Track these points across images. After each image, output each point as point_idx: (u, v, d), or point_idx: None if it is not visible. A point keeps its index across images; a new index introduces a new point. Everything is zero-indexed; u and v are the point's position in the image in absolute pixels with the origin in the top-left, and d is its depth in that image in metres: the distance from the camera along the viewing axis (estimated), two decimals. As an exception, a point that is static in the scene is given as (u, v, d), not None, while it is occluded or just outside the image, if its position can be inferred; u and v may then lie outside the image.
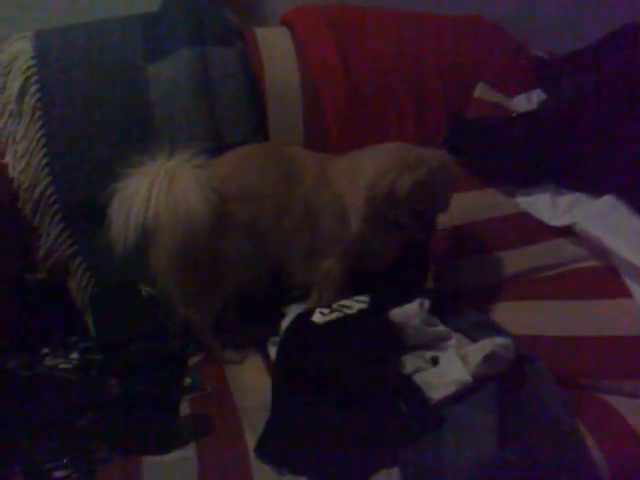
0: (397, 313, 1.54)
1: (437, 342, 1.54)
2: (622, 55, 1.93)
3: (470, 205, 1.85)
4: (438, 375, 1.44)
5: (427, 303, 1.58)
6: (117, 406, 1.33)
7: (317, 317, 1.55)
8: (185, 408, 1.42)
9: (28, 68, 1.84)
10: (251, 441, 1.32)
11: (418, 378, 1.43)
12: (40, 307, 1.74)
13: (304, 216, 1.66)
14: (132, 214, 1.53)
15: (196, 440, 1.34)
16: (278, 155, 1.72)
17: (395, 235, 1.68)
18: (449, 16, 2.17)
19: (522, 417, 1.37)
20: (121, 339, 1.47)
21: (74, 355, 1.55)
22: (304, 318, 1.55)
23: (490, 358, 1.41)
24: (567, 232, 1.77)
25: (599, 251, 1.71)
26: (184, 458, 1.30)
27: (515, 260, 1.77)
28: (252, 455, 1.29)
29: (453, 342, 1.54)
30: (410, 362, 1.48)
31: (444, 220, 1.73)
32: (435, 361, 1.49)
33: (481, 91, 2.04)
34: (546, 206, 1.82)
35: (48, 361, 1.52)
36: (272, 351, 1.63)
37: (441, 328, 1.56)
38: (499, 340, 1.45)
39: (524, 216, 1.83)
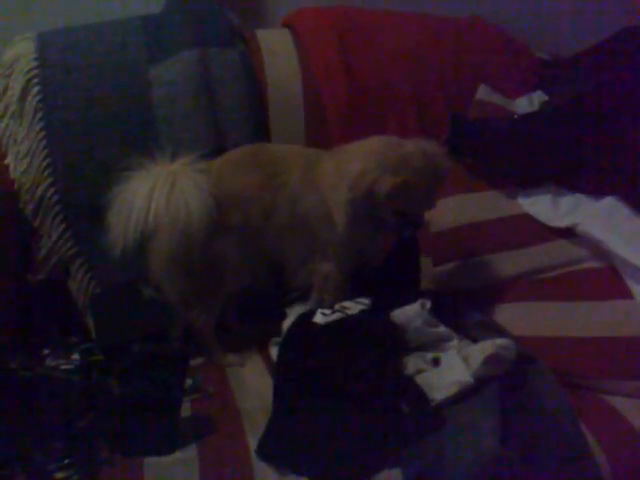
0: (398, 314, 1.54)
1: (438, 343, 1.54)
2: (623, 57, 1.93)
3: (471, 206, 1.85)
4: (439, 376, 1.44)
5: (428, 304, 1.59)
6: (118, 407, 1.33)
7: (319, 318, 1.55)
8: (186, 409, 1.42)
9: (30, 70, 1.84)
10: (252, 442, 1.32)
11: (419, 379, 1.43)
12: (41, 308, 1.74)
13: (291, 218, 1.66)
14: (132, 217, 1.55)
15: (197, 441, 1.34)
16: (262, 158, 1.70)
17: (382, 233, 1.67)
18: (451, 18, 2.18)
19: (523, 418, 1.36)
20: (122, 340, 1.46)
21: (75, 356, 1.54)
22: (306, 319, 1.55)
23: (491, 359, 1.41)
24: (568, 233, 1.77)
25: (600, 252, 1.71)
26: (185, 459, 1.30)
27: (516, 261, 1.77)
28: (253, 456, 1.29)
29: (454, 343, 1.54)
30: (411, 363, 1.48)
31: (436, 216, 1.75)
32: (436, 362, 1.49)
33: (483, 93, 2.04)
34: (547, 207, 1.82)
35: (49, 362, 1.52)
36: (274, 352, 1.63)
37: (442, 329, 1.56)
38: (500, 341, 1.45)
39: (525, 217, 1.83)
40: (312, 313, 1.57)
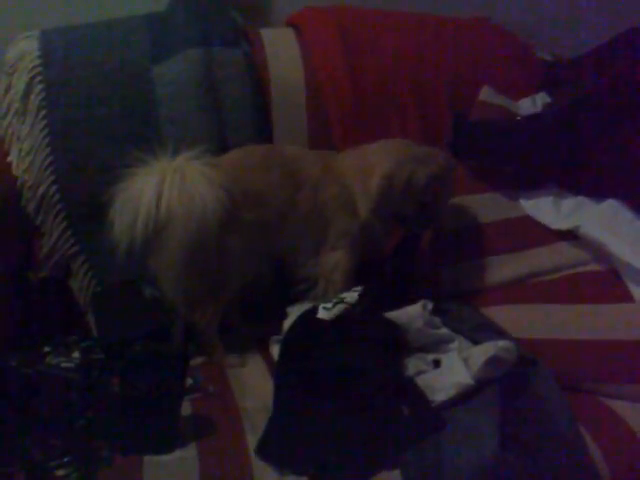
0: (400, 315, 1.54)
1: (439, 344, 1.54)
2: (627, 58, 1.93)
3: (473, 208, 1.85)
4: (440, 377, 1.44)
5: (430, 305, 1.59)
6: (118, 405, 1.34)
7: (322, 313, 1.54)
8: (186, 408, 1.42)
9: (33, 67, 1.84)
10: (252, 442, 1.32)
11: (420, 380, 1.43)
12: (42, 306, 1.74)
13: (310, 215, 1.69)
14: (140, 212, 1.54)
15: (197, 440, 1.34)
16: (280, 157, 1.73)
17: (394, 226, 1.76)
18: (455, 18, 2.17)
19: (523, 420, 1.36)
20: (123, 338, 1.46)
21: (75, 354, 1.54)
22: (308, 317, 1.55)
23: (492, 361, 1.41)
24: (570, 236, 1.77)
25: (601, 255, 1.71)
26: (185, 458, 1.29)
27: (517, 263, 1.77)
28: (253, 455, 1.29)
29: (455, 345, 1.54)
30: (412, 364, 1.48)
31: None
32: (437, 363, 1.49)
33: (486, 94, 2.04)
34: (549, 209, 1.82)
35: (49, 360, 1.51)
36: (274, 350, 1.63)
37: (443, 330, 1.56)
38: (501, 343, 1.44)
39: (527, 219, 1.83)
40: (314, 311, 1.56)
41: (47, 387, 1.33)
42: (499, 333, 1.56)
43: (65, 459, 1.26)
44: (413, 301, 1.59)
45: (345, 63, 2.01)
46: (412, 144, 1.77)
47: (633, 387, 1.48)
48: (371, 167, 1.70)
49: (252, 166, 1.69)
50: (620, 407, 1.44)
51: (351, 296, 1.57)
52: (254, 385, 1.56)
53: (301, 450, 1.31)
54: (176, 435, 1.33)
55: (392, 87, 2.02)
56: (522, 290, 1.73)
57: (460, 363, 1.44)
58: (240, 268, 1.66)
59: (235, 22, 2.02)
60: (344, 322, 1.51)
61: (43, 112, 1.83)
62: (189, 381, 1.49)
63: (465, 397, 1.40)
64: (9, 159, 1.85)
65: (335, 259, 1.72)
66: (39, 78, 1.84)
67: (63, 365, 1.49)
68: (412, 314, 1.55)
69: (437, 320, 1.58)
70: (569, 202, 1.83)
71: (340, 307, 1.55)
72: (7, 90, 1.87)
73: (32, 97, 1.84)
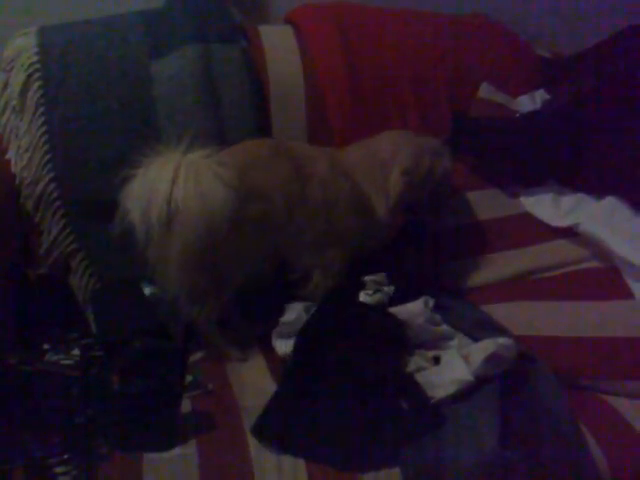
0: (401, 311, 1.54)
1: (439, 341, 1.55)
2: (626, 56, 1.93)
3: (473, 205, 1.85)
4: (439, 374, 1.44)
5: (431, 302, 1.59)
6: (118, 403, 1.33)
7: (364, 298, 1.62)
8: (186, 405, 1.42)
9: (31, 64, 1.83)
10: (252, 439, 1.32)
11: (420, 377, 1.44)
12: (41, 303, 1.74)
13: (319, 210, 1.68)
14: (154, 202, 1.50)
15: (197, 437, 1.33)
16: (286, 152, 1.71)
17: (401, 217, 1.78)
18: (454, 15, 2.17)
19: (523, 417, 1.37)
20: (122, 336, 1.46)
21: (75, 351, 1.54)
22: (326, 308, 1.57)
23: (492, 358, 1.41)
24: (569, 233, 1.77)
25: (601, 252, 1.71)
26: (184, 455, 1.29)
27: (517, 260, 1.77)
28: (252, 452, 1.29)
29: (455, 342, 1.54)
30: (412, 361, 1.48)
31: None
32: (437, 360, 1.50)
33: (485, 91, 2.04)
34: (548, 206, 1.82)
35: (49, 357, 1.52)
36: (277, 343, 1.62)
37: (444, 327, 1.57)
38: (501, 340, 1.45)
39: (526, 216, 1.83)
40: (332, 301, 1.59)
41: (46, 384, 1.33)
42: (499, 330, 1.56)
43: (65, 456, 1.26)
44: (414, 297, 1.60)
45: (344, 60, 2.01)
46: (414, 134, 1.80)
47: (633, 384, 1.48)
48: (384, 163, 1.72)
49: (259, 161, 1.67)
50: (620, 404, 1.44)
51: (389, 288, 1.65)
52: (254, 382, 1.55)
53: (299, 433, 1.32)
54: (176, 432, 1.33)
55: (391, 84, 2.02)
56: (522, 287, 1.73)
57: (460, 360, 1.44)
58: (243, 264, 1.65)
59: (233, 19, 2.01)
60: (349, 315, 1.52)
61: (41, 109, 1.82)
62: (189, 378, 1.48)
63: (465, 394, 1.40)
64: (7, 156, 1.84)
65: (333, 254, 1.72)
66: (37, 75, 1.83)
67: (62, 362, 1.49)
68: (413, 310, 1.55)
69: (437, 317, 1.59)
70: (569, 199, 1.83)
71: (380, 296, 1.62)
72: (5, 87, 1.86)
73: (30, 94, 1.83)
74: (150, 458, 1.29)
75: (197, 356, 1.66)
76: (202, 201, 1.51)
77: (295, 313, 1.61)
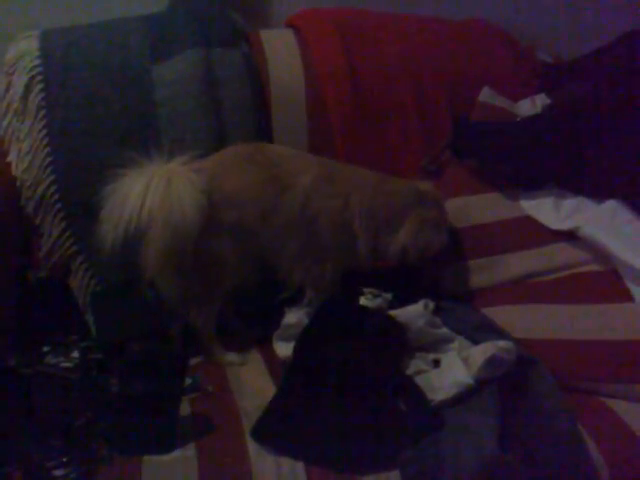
0: (401, 314, 1.54)
1: (439, 344, 1.55)
2: (626, 60, 1.93)
3: (473, 208, 1.85)
4: (439, 377, 1.44)
5: (431, 305, 1.59)
6: (117, 405, 1.33)
7: (365, 302, 1.64)
8: (185, 408, 1.42)
9: (33, 67, 1.84)
10: (251, 441, 1.32)
11: (420, 380, 1.44)
12: (41, 305, 1.74)
13: (297, 221, 1.66)
14: (125, 214, 1.53)
15: (196, 440, 1.33)
16: (263, 157, 1.70)
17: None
18: (454, 20, 2.18)
19: (523, 420, 1.36)
20: (122, 338, 1.46)
21: (74, 354, 1.54)
22: (326, 310, 1.57)
23: (492, 361, 1.41)
24: (570, 236, 1.77)
25: (601, 255, 1.70)
26: (184, 458, 1.29)
27: (518, 263, 1.77)
28: (252, 455, 1.29)
29: (455, 344, 1.54)
30: (412, 363, 1.48)
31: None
32: (437, 363, 1.50)
33: (485, 95, 2.04)
34: (549, 210, 1.82)
35: (48, 359, 1.51)
36: (278, 346, 1.62)
37: (444, 330, 1.57)
38: (501, 343, 1.45)
39: (527, 220, 1.82)
40: (331, 305, 1.59)
41: (46, 387, 1.33)
42: (499, 333, 1.55)
43: (64, 459, 1.26)
44: (415, 300, 1.60)
45: (345, 64, 2.01)
46: (425, 192, 1.74)
47: (632, 387, 1.48)
48: (387, 221, 1.70)
49: (234, 167, 1.68)
50: (619, 407, 1.44)
51: (387, 295, 1.66)
52: (253, 385, 1.55)
53: (298, 436, 1.32)
54: (175, 435, 1.33)
55: (392, 88, 2.02)
56: (522, 290, 1.72)
57: (460, 363, 1.44)
58: (227, 271, 1.66)
59: (235, 23, 2.02)
60: (353, 318, 1.52)
61: (42, 112, 1.83)
62: (188, 380, 1.48)
63: (464, 397, 1.40)
64: (8, 159, 1.85)
65: (324, 271, 1.71)
66: (39, 78, 1.84)
67: (62, 365, 1.49)
68: (413, 313, 1.55)
69: (437, 320, 1.59)
70: (569, 203, 1.82)
71: (379, 300, 1.62)
72: (7, 90, 1.86)
73: (31, 97, 1.84)
74: (149, 461, 1.29)
75: (197, 359, 1.66)
76: (170, 208, 1.53)
77: (296, 316, 1.61)
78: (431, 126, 2.04)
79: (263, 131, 1.92)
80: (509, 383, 1.41)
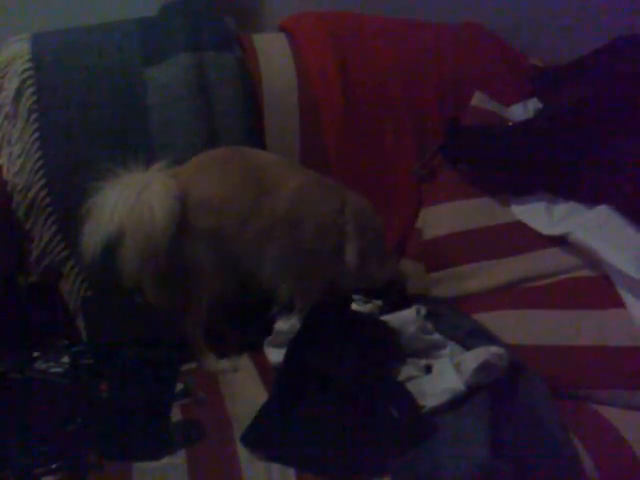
0: (393, 319, 1.54)
1: (431, 350, 1.54)
2: (617, 66, 1.94)
3: (465, 213, 1.85)
4: (431, 383, 1.44)
5: (424, 310, 1.59)
6: (108, 411, 1.32)
7: (356, 307, 1.64)
8: (176, 414, 1.41)
9: (25, 70, 1.84)
10: (242, 448, 1.31)
11: (411, 386, 1.43)
12: (32, 310, 1.73)
13: (278, 225, 1.65)
14: (100, 226, 1.54)
15: (187, 446, 1.33)
16: (241, 160, 1.70)
17: None
18: (447, 24, 2.18)
19: (515, 427, 1.36)
20: (113, 343, 1.45)
21: (65, 359, 1.54)
22: (317, 315, 1.56)
23: (483, 367, 1.41)
24: (561, 242, 1.77)
25: (593, 261, 1.70)
26: (174, 464, 1.28)
27: (509, 269, 1.77)
28: (243, 462, 1.28)
29: (447, 350, 1.54)
30: (404, 369, 1.48)
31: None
32: (428, 369, 1.49)
33: (478, 100, 2.05)
34: (540, 215, 1.82)
35: (39, 365, 1.51)
36: (269, 351, 1.63)
37: (436, 336, 1.57)
38: (492, 349, 1.45)
39: (518, 225, 1.83)
40: (323, 309, 1.58)
41: (36, 392, 1.32)
42: (490, 339, 1.56)
43: (53, 465, 1.25)
44: (406, 306, 1.60)
45: (337, 68, 2.01)
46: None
47: (623, 393, 1.48)
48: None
49: (209, 170, 1.67)
50: (610, 413, 1.44)
51: (377, 301, 1.67)
52: (245, 391, 1.54)
53: (289, 443, 1.31)
54: (166, 441, 1.32)
55: (385, 92, 2.03)
56: (513, 296, 1.73)
57: (451, 369, 1.44)
58: (206, 278, 1.64)
59: (227, 27, 2.02)
60: (344, 324, 1.52)
61: (34, 115, 1.83)
62: (179, 386, 1.48)
63: (456, 403, 1.39)
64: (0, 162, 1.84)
65: (306, 287, 1.70)
66: (30, 81, 1.84)
67: (52, 370, 1.48)
68: (405, 319, 1.55)
69: (429, 325, 1.59)
70: (561, 208, 1.83)
71: (370, 306, 1.64)
72: (-2, 93, 1.85)
73: (23, 100, 1.83)
74: (140, 467, 1.28)
75: (188, 365, 1.65)
76: (139, 217, 1.53)
77: (289, 322, 1.61)
78: (424, 130, 2.05)
79: (255, 135, 1.92)
80: (500, 389, 1.41)
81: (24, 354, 1.52)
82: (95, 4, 2.06)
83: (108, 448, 1.30)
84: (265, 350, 1.64)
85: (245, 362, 1.68)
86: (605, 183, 1.80)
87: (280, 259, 1.67)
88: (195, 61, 1.89)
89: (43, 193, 1.80)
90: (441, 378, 1.44)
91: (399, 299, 1.69)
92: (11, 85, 1.84)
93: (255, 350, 1.69)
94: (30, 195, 1.80)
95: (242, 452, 1.31)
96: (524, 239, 1.80)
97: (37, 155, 1.81)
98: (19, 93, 1.84)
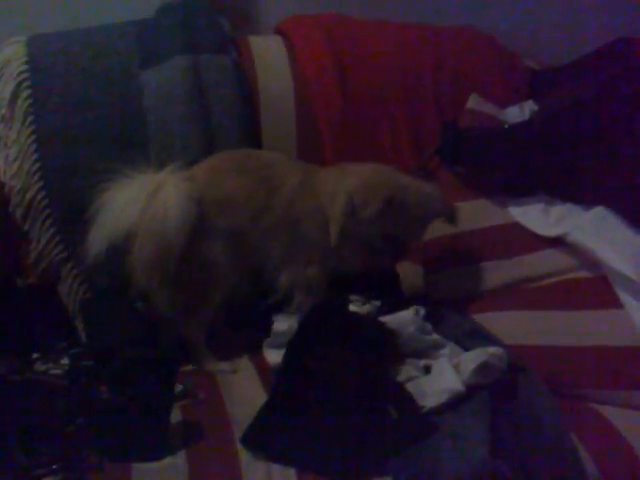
0: (392, 320, 1.54)
1: (430, 350, 1.55)
2: (613, 68, 1.94)
3: (462, 215, 1.85)
4: (430, 383, 1.44)
5: (422, 311, 1.59)
6: (107, 412, 1.32)
7: (354, 308, 1.64)
8: (176, 415, 1.41)
9: (20, 73, 1.84)
10: (241, 449, 1.31)
11: (411, 386, 1.43)
12: (31, 312, 1.73)
13: (283, 221, 1.66)
14: (108, 225, 1.55)
15: (186, 447, 1.33)
16: (255, 161, 1.71)
17: (366, 254, 1.71)
18: (443, 26, 2.18)
19: (514, 427, 1.36)
20: (112, 345, 1.46)
21: (64, 361, 1.54)
22: (315, 315, 1.55)
23: (482, 367, 1.41)
24: (559, 243, 1.77)
25: (590, 262, 1.71)
26: (174, 465, 1.28)
27: (507, 270, 1.77)
28: (242, 462, 1.28)
29: (446, 351, 1.54)
30: (403, 370, 1.48)
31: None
32: (427, 369, 1.50)
33: (474, 102, 2.05)
34: (538, 216, 1.83)
35: (38, 366, 1.51)
36: (268, 354, 1.62)
37: (435, 337, 1.57)
38: (492, 349, 1.45)
39: (516, 226, 1.83)
40: (321, 310, 1.57)
41: (36, 394, 1.32)
42: (490, 339, 1.56)
43: (53, 466, 1.25)
44: (404, 307, 1.60)
45: (333, 70, 2.02)
46: (387, 171, 1.71)
47: (622, 393, 1.49)
48: (339, 191, 1.65)
49: (225, 172, 1.68)
50: (611, 413, 1.44)
51: (376, 301, 1.67)
52: (244, 392, 1.54)
53: (289, 443, 1.31)
54: (165, 442, 1.32)
55: (381, 94, 2.03)
56: (512, 297, 1.73)
57: (450, 369, 1.44)
58: (220, 278, 1.65)
59: (223, 29, 2.02)
60: (343, 324, 1.52)
61: (30, 118, 1.82)
62: (179, 387, 1.48)
63: (455, 403, 1.40)
64: (-4, 165, 1.84)
65: (312, 273, 1.70)
66: (26, 84, 1.83)
67: (52, 372, 1.49)
68: (404, 319, 1.55)
69: (428, 326, 1.59)
70: (558, 209, 1.83)
71: (368, 307, 1.64)
72: (-6, 96, 1.85)
73: (19, 103, 1.83)
74: (139, 468, 1.28)
75: (187, 366, 1.65)
76: (153, 218, 1.54)
77: (287, 323, 1.61)
78: (420, 132, 2.05)
79: (252, 137, 1.92)
80: (500, 390, 1.42)
81: (23, 356, 1.52)
82: (91, 7, 2.06)
83: (108, 449, 1.31)
84: (264, 351, 1.64)
85: (244, 363, 1.68)
86: (602, 184, 1.81)
87: (283, 254, 1.69)
88: (191, 63, 1.89)
89: (40, 195, 1.80)
90: (440, 378, 1.44)
91: (397, 299, 1.69)
92: (7, 88, 1.84)
93: (254, 351, 1.69)
94: (28, 197, 1.80)
95: (242, 453, 1.31)
96: (522, 240, 1.80)
97: (34, 157, 1.81)
98: (15, 96, 1.84)
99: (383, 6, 2.21)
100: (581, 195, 1.82)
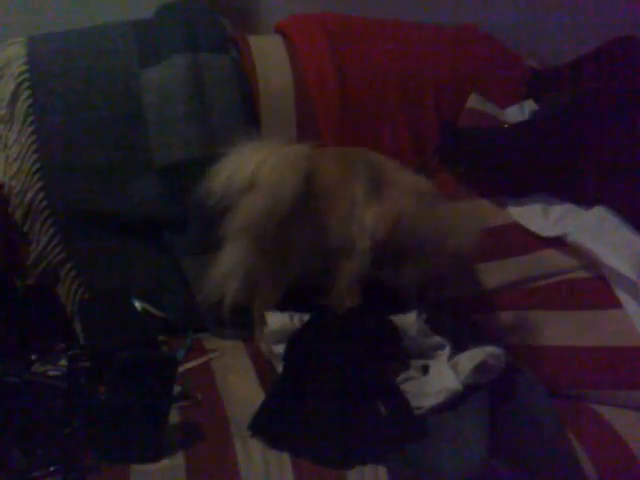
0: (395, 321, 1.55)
1: (428, 351, 1.55)
2: (614, 67, 1.94)
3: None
4: (428, 383, 1.44)
5: (424, 315, 1.59)
6: (105, 414, 1.32)
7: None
8: (174, 416, 1.41)
9: (20, 73, 1.84)
10: (240, 450, 1.32)
11: (408, 386, 1.44)
12: (29, 313, 1.73)
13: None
14: (235, 173, 1.58)
15: (185, 448, 1.33)
16: (363, 164, 1.70)
17: None
18: (443, 26, 2.18)
19: (511, 426, 1.37)
20: (110, 346, 1.46)
21: (63, 362, 1.54)
22: (319, 314, 1.58)
23: (480, 367, 1.41)
24: (558, 243, 1.77)
25: (590, 262, 1.71)
26: (172, 466, 1.28)
27: (506, 270, 1.77)
28: (241, 463, 1.29)
29: (444, 351, 1.54)
30: (403, 370, 1.48)
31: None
32: (426, 370, 1.50)
33: (474, 101, 2.04)
34: (537, 217, 1.82)
35: (36, 368, 1.51)
36: (262, 345, 1.65)
37: (436, 339, 1.56)
38: (489, 349, 1.45)
39: (515, 226, 1.83)
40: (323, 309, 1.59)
41: (33, 395, 1.32)
42: (487, 339, 1.56)
43: (51, 468, 1.25)
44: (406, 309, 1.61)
45: (333, 70, 2.01)
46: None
47: (620, 393, 1.49)
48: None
49: (337, 162, 1.68)
50: (607, 413, 1.45)
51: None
52: (243, 394, 1.54)
53: (287, 432, 1.34)
54: (163, 443, 1.32)
55: (381, 94, 2.03)
56: (510, 297, 1.72)
57: (448, 369, 1.45)
58: (297, 260, 1.65)
59: (223, 28, 2.02)
60: (348, 321, 1.53)
61: (30, 118, 1.83)
62: (177, 388, 1.47)
63: (453, 403, 1.40)
64: (-4, 166, 1.84)
65: (352, 267, 1.67)
66: (26, 84, 1.84)
67: (50, 373, 1.48)
68: (405, 322, 1.55)
69: (427, 327, 1.59)
70: (557, 209, 1.83)
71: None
72: (-6, 96, 1.85)
73: (19, 103, 1.83)
74: (138, 469, 1.28)
75: (187, 366, 1.65)
76: (275, 183, 1.55)
77: (279, 323, 1.61)
78: (420, 132, 2.05)
79: (252, 136, 1.91)
80: (498, 390, 1.42)
81: (21, 357, 1.52)
82: (91, 7, 2.06)
83: (106, 451, 1.30)
84: (261, 347, 1.66)
85: (243, 364, 1.68)
86: (602, 184, 1.80)
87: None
88: (191, 62, 1.89)
89: (40, 196, 1.80)
90: (438, 378, 1.45)
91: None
92: (7, 88, 1.84)
93: (253, 352, 1.69)
94: (27, 198, 1.80)
95: (240, 453, 1.31)
96: (521, 241, 1.80)
97: (34, 158, 1.81)
98: (15, 96, 1.84)
99: (383, 6, 2.20)
100: (581, 195, 1.82)
